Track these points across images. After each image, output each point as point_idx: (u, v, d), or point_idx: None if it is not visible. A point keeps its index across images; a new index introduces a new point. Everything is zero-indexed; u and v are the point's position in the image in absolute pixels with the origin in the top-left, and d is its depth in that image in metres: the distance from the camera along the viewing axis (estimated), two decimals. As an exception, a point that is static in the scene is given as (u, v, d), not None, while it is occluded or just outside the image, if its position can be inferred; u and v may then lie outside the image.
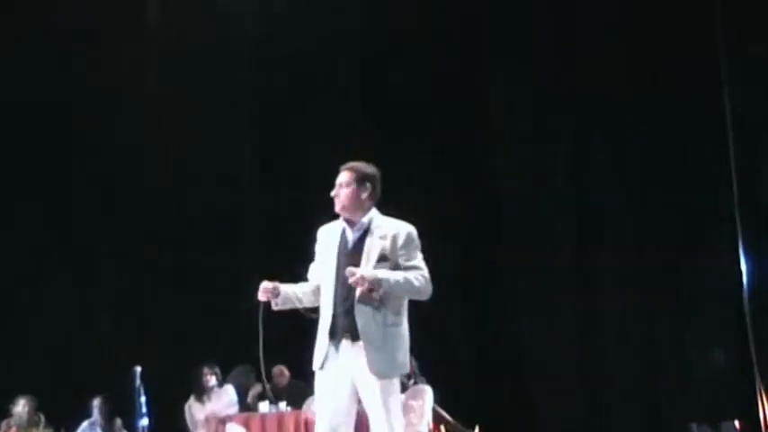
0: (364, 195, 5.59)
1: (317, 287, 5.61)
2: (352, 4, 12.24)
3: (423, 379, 11.33)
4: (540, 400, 12.31)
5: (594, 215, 12.28)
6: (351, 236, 5.58)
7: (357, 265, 5.41)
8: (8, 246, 12.04)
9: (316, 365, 5.54)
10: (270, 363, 11.52)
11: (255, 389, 11.68)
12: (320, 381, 5.56)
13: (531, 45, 12.28)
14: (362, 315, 5.40)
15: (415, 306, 10.95)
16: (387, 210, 5.77)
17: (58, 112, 12.17)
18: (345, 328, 5.45)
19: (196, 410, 11.21)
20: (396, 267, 5.46)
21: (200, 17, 12.03)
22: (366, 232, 5.56)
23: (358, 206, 5.58)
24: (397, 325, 5.48)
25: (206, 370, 11.05)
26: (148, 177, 12.43)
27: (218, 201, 12.53)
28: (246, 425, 10.54)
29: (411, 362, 10.49)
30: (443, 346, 12.33)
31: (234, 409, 11.12)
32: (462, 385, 12.03)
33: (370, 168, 5.68)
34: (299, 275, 5.91)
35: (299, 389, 11.50)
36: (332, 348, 5.47)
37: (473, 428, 11.48)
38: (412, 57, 12.31)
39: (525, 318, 12.43)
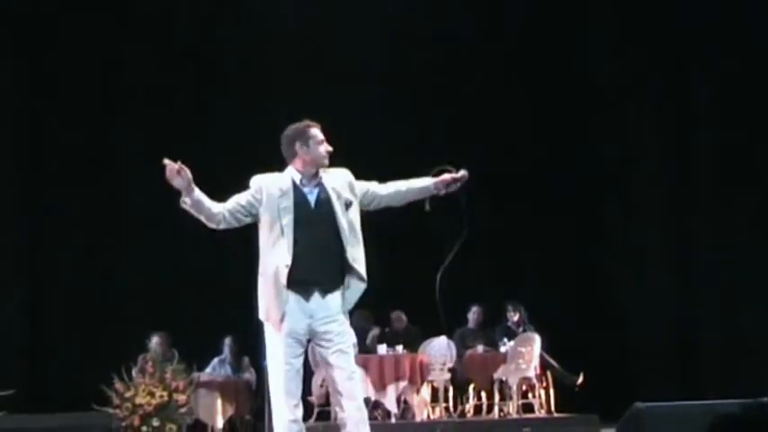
0: None
1: (234, 212, 5.67)
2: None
3: (531, 327, 12.44)
4: (640, 350, 12.93)
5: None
6: (310, 188, 5.72)
7: (329, 215, 5.65)
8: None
9: (274, 317, 5.60)
10: (388, 308, 12.47)
11: (374, 331, 12.30)
12: (272, 336, 5.67)
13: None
14: (353, 257, 5.63)
15: (526, 260, 12.12)
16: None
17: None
18: (318, 281, 5.61)
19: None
20: (353, 207, 5.78)
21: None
22: (322, 184, 5.75)
23: None
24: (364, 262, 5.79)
25: None
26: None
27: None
28: (365, 365, 11.14)
29: (520, 311, 11.94)
30: (551, 297, 13.03)
31: (353, 350, 11.51)
32: (568, 334, 12.52)
33: None
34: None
35: (415, 333, 12.33)
36: (298, 299, 5.58)
37: (577, 375, 12.12)
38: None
39: (624, 268, 13.06)
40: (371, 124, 12.90)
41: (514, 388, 12.00)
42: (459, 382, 12.23)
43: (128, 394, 10.05)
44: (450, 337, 11.84)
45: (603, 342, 12.83)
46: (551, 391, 12.15)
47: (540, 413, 12.05)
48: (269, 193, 5.65)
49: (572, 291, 13.33)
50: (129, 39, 12.81)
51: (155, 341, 11.69)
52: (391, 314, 12.51)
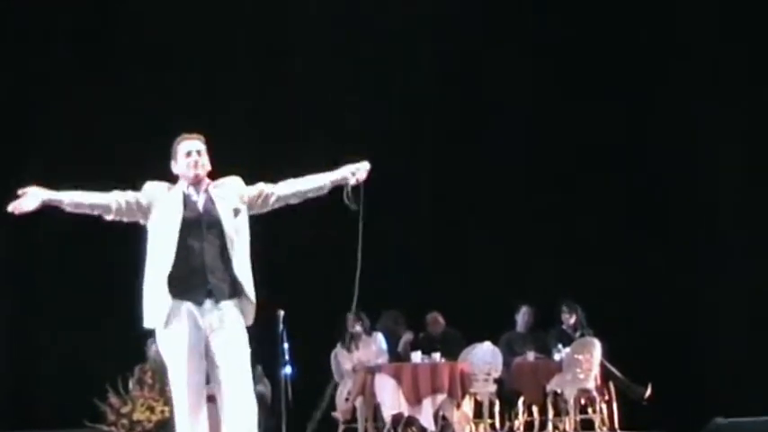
0: None
1: (128, 203, 5.99)
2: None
3: (590, 331, 12.06)
4: (716, 358, 12.55)
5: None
6: (198, 197, 6.06)
7: (216, 224, 5.96)
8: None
9: (157, 322, 5.91)
10: (424, 309, 12.27)
11: (407, 336, 12.05)
12: (169, 340, 5.94)
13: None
14: (239, 268, 5.95)
15: (586, 260, 11.97)
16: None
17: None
18: (208, 288, 5.92)
19: (343, 359, 11.54)
20: (243, 214, 6.10)
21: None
22: (209, 194, 6.09)
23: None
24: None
25: (351, 316, 11.14)
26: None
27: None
28: (397, 376, 10.91)
29: (577, 312, 12.08)
30: (612, 296, 12.66)
31: (383, 358, 11.40)
32: (633, 339, 12.27)
33: None
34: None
35: (455, 338, 12.03)
36: (185, 307, 5.88)
37: (645, 387, 11.71)
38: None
39: (697, 275, 12.80)
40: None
41: (571, 401, 11.75)
42: (506, 395, 12.04)
43: (124, 410, 10.02)
44: (495, 342, 11.79)
45: (674, 348, 12.49)
46: (614, 406, 11.93)
47: (601, 431, 11.83)
48: (158, 198, 6.00)
49: (637, 289, 12.92)
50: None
51: (154, 349, 10.83)
52: (427, 316, 12.29)
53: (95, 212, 6.02)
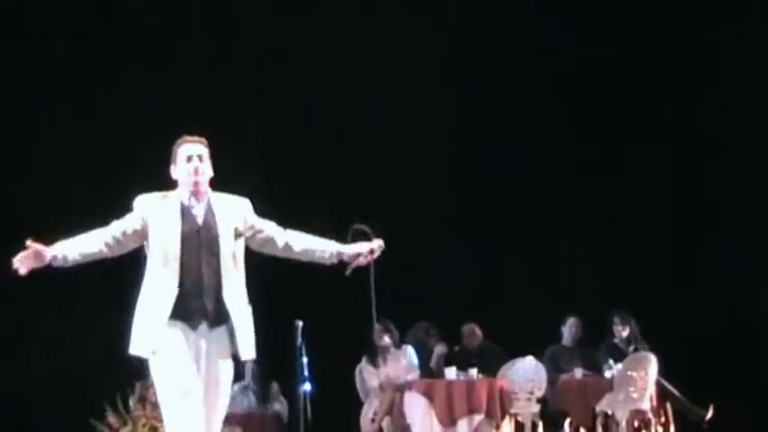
0: None
1: (116, 241, 5.90)
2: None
3: (645, 345, 11.81)
4: None
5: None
6: (198, 209, 5.98)
7: (213, 241, 5.88)
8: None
9: (146, 350, 5.84)
10: (459, 320, 12.04)
11: (440, 349, 11.78)
12: (162, 365, 5.85)
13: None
14: (230, 295, 5.87)
15: (639, 266, 12.56)
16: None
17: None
18: (204, 310, 5.86)
19: (369, 375, 11.32)
20: (242, 238, 6.03)
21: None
22: (210, 207, 6.01)
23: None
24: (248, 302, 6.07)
25: (378, 327, 10.91)
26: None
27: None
28: (429, 394, 10.69)
29: (631, 324, 12.02)
30: (671, 306, 12.58)
31: (414, 374, 11.18)
32: (693, 354, 12.15)
33: None
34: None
35: (493, 352, 11.82)
36: (178, 331, 5.80)
37: (706, 408, 11.56)
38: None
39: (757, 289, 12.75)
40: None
41: (623, 424, 11.44)
42: (550, 416, 11.77)
43: (124, 430, 9.98)
44: (539, 357, 11.64)
45: (739, 365, 12.38)
46: (671, 429, 11.65)
47: (656, 456, 11.79)
48: (153, 213, 5.93)
49: (697, 299, 12.83)
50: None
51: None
52: (463, 327, 12.03)
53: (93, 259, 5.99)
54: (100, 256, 5.90)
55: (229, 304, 5.85)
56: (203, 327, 5.82)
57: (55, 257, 5.79)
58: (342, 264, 6.10)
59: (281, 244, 6.08)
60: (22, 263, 5.75)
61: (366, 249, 6.06)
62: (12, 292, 12.02)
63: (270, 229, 6.08)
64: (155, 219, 5.91)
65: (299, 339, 9.29)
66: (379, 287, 12.25)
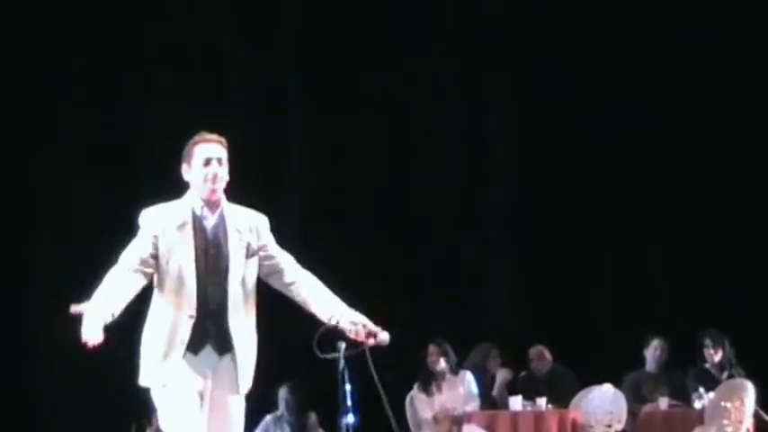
0: None
1: (139, 274, 5.62)
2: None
3: (741, 371, 11.42)
4: None
5: None
6: (210, 221, 5.75)
7: (223, 260, 5.63)
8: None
9: (158, 381, 5.63)
10: (525, 341, 11.76)
11: (503, 375, 11.44)
12: (169, 398, 5.66)
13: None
14: (236, 322, 5.67)
15: (733, 282, 12.43)
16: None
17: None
18: (210, 337, 5.67)
19: (421, 405, 10.94)
20: (255, 258, 5.79)
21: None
22: (222, 219, 5.80)
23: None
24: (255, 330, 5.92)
25: (433, 349, 10.71)
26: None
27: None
28: (491, 426, 10.60)
29: (724, 347, 11.57)
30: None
31: (473, 403, 10.83)
32: None
33: None
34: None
35: (566, 378, 11.53)
36: (188, 357, 5.62)
37: None
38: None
39: None
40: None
41: None
42: None
43: None
44: (618, 385, 11.12)
45: None
46: None
47: (753, 498, 11.37)
48: (163, 229, 5.67)
49: None
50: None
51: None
52: (530, 350, 11.63)
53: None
54: (136, 293, 5.67)
55: (234, 332, 5.64)
56: (209, 355, 5.63)
57: (106, 318, 5.45)
58: (334, 332, 5.92)
59: (287, 280, 5.81)
60: (91, 334, 5.41)
61: (371, 332, 5.85)
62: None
63: (283, 259, 5.82)
64: (165, 234, 5.65)
65: (342, 363, 8.14)
66: (434, 303, 11.79)
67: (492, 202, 13.20)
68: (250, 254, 5.75)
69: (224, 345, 5.67)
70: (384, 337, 5.92)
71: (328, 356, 5.99)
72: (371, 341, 5.90)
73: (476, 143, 13.20)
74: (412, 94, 13.37)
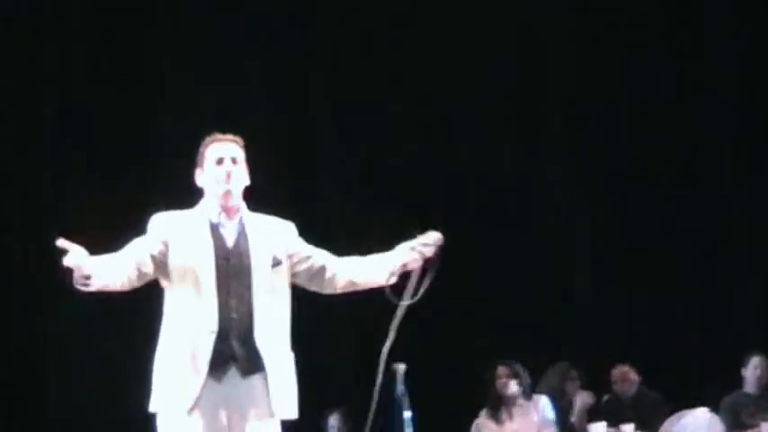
0: None
1: (140, 270, 5.40)
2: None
3: None
4: None
5: None
6: (228, 228, 5.60)
7: (245, 271, 5.47)
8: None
9: (181, 407, 5.42)
10: (608, 361, 11.26)
11: (583, 399, 10.92)
12: (189, 426, 5.52)
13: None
14: (265, 339, 5.48)
15: None
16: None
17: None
18: (235, 357, 5.49)
19: None
20: (284, 267, 5.65)
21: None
22: (242, 227, 5.66)
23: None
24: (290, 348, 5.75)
25: (502, 371, 10.11)
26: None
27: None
28: None
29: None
30: None
31: (549, 431, 10.29)
32: None
33: None
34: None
35: (654, 402, 10.98)
36: (209, 382, 5.43)
37: None
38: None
39: None
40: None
41: None
42: None
43: None
44: (715, 408, 10.56)
45: None
46: None
47: None
48: (174, 236, 5.45)
49: None
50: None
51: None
52: (612, 370, 11.08)
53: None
54: (116, 290, 5.40)
55: (263, 349, 5.39)
56: (233, 376, 5.38)
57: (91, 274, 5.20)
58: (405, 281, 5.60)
59: (329, 274, 5.59)
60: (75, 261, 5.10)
61: (419, 248, 5.55)
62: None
63: (318, 257, 5.61)
64: (176, 242, 5.44)
65: (401, 388, 7.42)
66: (502, 319, 11.14)
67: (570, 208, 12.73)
68: (275, 264, 5.56)
69: (252, 364, 5.43)
70: (436, 237, 5.64)
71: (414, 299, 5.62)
72: (430, 251, 5.60)
73: (542, 161, 12.66)
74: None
